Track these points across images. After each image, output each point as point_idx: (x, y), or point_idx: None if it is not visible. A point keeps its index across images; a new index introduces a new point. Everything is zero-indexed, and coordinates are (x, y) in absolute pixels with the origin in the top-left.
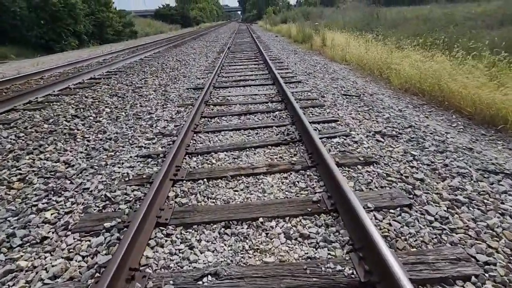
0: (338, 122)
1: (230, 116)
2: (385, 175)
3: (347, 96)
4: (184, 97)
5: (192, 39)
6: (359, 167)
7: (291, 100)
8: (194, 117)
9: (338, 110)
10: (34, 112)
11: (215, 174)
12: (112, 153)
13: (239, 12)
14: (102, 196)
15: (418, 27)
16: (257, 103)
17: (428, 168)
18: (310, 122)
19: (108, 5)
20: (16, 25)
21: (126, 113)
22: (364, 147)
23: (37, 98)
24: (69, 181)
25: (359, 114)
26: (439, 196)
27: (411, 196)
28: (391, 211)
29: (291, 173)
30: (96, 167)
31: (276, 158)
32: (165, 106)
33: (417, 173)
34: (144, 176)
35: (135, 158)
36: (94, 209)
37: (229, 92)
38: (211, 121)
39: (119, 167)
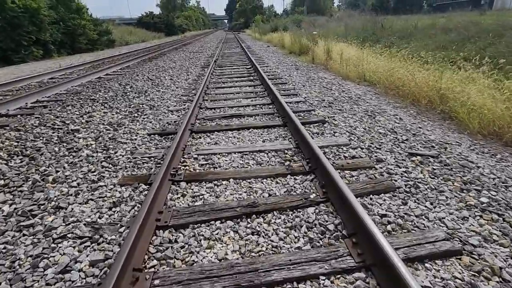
0: (462, 259)
1: (216, 224)
2: None
3: (418, 157)
4: (139, 155)
5: (173, 49)
6: None
7: (330, 174)
8: (140, 233)
9: (432, 205)
10: None
11: None
12: None
13: (226, 21)
14: None
15: (440, 38)
16: (267, 176)
17: None
18: (405, 261)
19: (81, 12)
20: None
21: (16, 205)
22: None
23: None
24: None
25: (480, 218)
26: None
27: None
28: None
29: None
30: None
31: None
32: (97, 182)
33: None
34: None
35: None
36: None
37: (216, 143)
38: (176, 239)
39: None
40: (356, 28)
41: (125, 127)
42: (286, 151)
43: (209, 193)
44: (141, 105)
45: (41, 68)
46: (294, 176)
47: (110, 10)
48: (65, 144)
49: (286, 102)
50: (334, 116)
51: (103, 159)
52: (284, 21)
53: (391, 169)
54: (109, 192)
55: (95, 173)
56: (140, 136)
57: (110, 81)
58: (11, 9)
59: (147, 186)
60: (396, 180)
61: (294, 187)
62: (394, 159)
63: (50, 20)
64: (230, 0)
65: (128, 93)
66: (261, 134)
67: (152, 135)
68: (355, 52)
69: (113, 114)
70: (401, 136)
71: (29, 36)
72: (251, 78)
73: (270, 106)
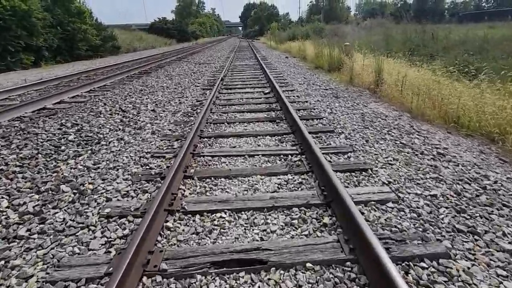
0: None
1: None
2: None
3: None
4: None
5: (177, 60)
6: None
7: None
8: None
9: None
10: None
11: None
12: None
13: (240, 28)
14: None
15: None
16: None
17: None
18: None
19: (82, 15)
20: None
21: None
22: None
23: None
24: None
25: None
26: None
27: None
28: None
29: None
30: None
31: None
32: None
33: None
34: None
35: None
36: None
37: None
38: None
39: None
40: (396, 38)
41: None
42: None
43: None
44: (64, 184)
45: (11, 82)
46: None
47: (128, 16)
48: None
49: (357, 203)
50: None
51: None
52: (303, 29)
53: None
54: None
55: None
56: None
57: (52, 118)
58: None
59: None
60: None
61: None
62: None
63: (45, 23)
64: (245, 8)
65: (62, 147)
66: None
67: None
68: (414, 73)
69: None
70: None
71: (17, 42)
72: (273, 115)
73: (321, 213)
